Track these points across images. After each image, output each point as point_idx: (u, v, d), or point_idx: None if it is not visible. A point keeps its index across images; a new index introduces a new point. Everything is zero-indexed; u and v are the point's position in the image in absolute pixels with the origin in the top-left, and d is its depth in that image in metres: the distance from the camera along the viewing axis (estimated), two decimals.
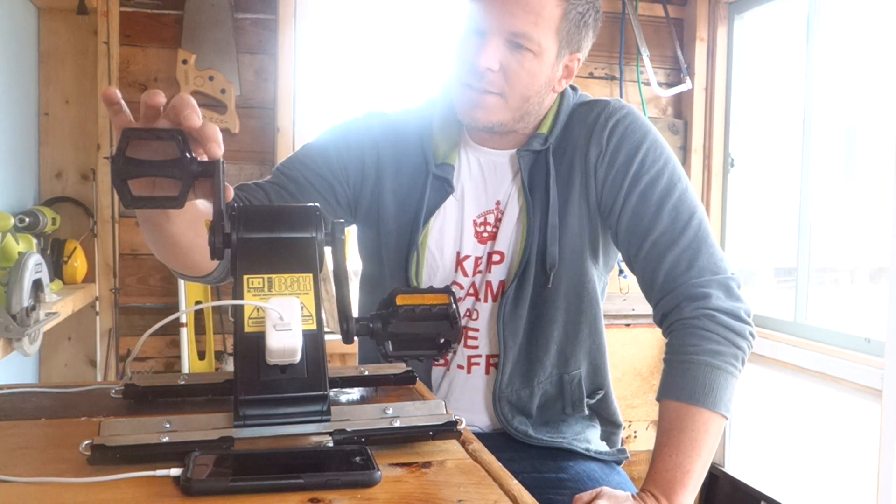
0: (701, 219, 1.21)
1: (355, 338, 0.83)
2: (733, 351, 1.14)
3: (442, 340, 0.85)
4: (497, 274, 1.27)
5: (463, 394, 1.30)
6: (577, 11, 1.17)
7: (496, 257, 1.27)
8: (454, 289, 1.28)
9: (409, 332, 0.84)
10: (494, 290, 1.28)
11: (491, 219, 1.27)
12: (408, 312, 0.82)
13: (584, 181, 1.23)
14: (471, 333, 1.30)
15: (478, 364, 1.30)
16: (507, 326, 1.25)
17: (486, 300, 1.28)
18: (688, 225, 1.19)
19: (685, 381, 1.13)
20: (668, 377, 1.16)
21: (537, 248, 1.23)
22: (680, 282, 1.17)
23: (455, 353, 1.31)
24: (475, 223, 1.28)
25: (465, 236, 1.28)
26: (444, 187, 1.26)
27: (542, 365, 1.28)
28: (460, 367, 1.31)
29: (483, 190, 1.28)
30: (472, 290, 1.29)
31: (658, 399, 1.17)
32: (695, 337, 1.14)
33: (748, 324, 1.17)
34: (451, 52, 1.22)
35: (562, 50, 1.18)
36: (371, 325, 0.83)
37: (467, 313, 1.30)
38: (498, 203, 1.27)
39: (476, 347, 1.30)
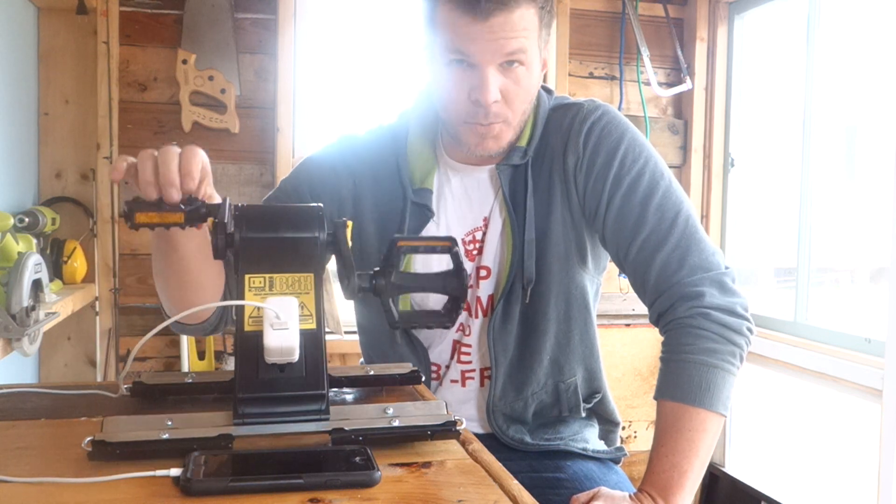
0: (688, 214, 1.19)
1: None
2: (730, 348, 1.13)
3: (448, 300, 0.87)
4: (485, 289, 1.26)
5: (459, 407, 1.30)
6: (546, 11, 1.15)
7: (483, 272, 1.26)
8: None
9: (413, 284, 0.89)
10: (484, 304, 1.26)
11: (479, 235, 1.26)
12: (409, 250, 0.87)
13: (564, 190, 1.22)
14: (463, 349, 1.29)
15: (472, 378, 1.30)
16: (497, 341, 1.24)
17: (476, 316, 1.27)
18: (674, 223, 1.17)
19: (681, 380, 1.12)
20: (664, 377, 1.15)
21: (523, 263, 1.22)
22: (672, 282, 1.16)
23: (449, 367, 1.30)
24: (464, 242, 1.26)
25: None
26: (424, 213, 1.24)
27: (535, 376, 1.26)
28: (454, 381, 1.30)
29: (468, 209, 1.26)
30: (464, 307, 1.28)
31: (655, 398, 1.16)
32: (690, 336, 1.13)
33: (745, 319, 1.15)
34: (437, 86, 1.18)
35: (541, 53, 1.18)
36: (374, 281, 0.84)
37: (460, 328, 1.29)
38: (486, 219, 1.25)
39: (469, 363, 1.29)
